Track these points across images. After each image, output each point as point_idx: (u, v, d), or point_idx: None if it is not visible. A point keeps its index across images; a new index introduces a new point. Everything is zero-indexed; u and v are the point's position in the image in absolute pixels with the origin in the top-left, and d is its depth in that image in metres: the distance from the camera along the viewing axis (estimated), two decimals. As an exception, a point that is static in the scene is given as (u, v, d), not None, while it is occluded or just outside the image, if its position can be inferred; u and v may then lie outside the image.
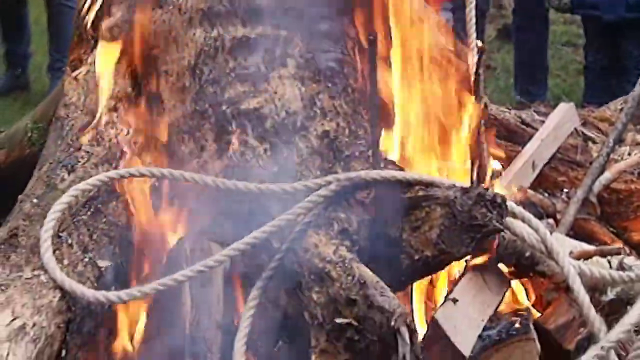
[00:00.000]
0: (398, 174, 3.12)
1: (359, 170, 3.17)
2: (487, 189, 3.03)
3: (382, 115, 3.33)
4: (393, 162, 3.30)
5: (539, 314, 3.49)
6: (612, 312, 3.22)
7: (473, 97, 3.57)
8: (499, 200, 2.99)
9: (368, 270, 2.94)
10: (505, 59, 8.71)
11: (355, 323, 2.87)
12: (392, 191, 3.11)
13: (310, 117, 3.26)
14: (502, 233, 3.25)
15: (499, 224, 2.99)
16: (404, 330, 2.73)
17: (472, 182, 3.48)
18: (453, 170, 3.53)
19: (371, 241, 3.11)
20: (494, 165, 3.87)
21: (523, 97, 7.45)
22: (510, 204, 3.12)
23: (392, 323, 2.75)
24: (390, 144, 3.42)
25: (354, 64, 3.41)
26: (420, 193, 3.09)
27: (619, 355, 3.08)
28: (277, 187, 3.12)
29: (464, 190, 3.02)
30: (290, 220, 3.07)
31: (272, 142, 3.23)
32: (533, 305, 3.56)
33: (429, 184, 3.10)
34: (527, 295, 3.58)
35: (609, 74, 7.20)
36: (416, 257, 3.06)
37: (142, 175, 3.20)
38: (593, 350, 2.87)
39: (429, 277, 3.35)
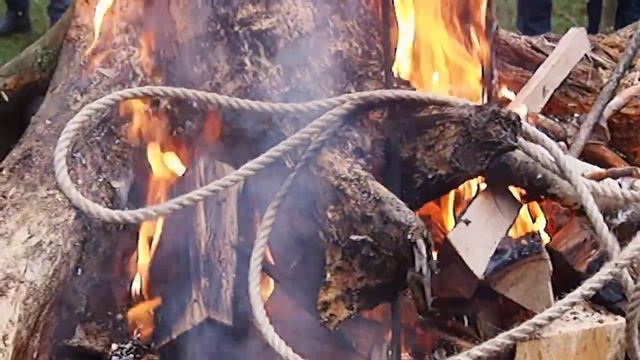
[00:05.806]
0: (412, 93, 3.10)
1: (372, 90, 3.16)
2: (501, 107, 3.03)
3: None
4: (407, 82, 3.29)
5: (549, 238, 3.50)
6: (623, 236, 3.20)
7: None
8: (513, 117, 2.98)
9: (383, 187, 2.94)
10: (508, -1, 8.67)
11: (370, 240, 2.86)
12: (405, 110, 3.11)
13: (323, 37, 3.25)
14: (515, 155, 3.25)
15: (513, 141, 2.97)
16: (421, 243, 2.72)
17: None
18: (466, 94, 3.52)
19: (385, 160, 3.11)
20: (505, 91, 3.88)
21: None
22: (524, 123, 3.11)
23: (409, 236, 2.74)
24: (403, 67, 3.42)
25: (366, -14, 3.39)
26: (435, 112, 3.08)
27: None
28: (290, 106, 3.11)
29: (478, 108, 3.01)
30: (304, 139, 3.06)
31: (285, 62, 3.22)
32: (544, 230, 3.56)
33: (442, 104, 3.09)
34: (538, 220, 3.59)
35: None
36: (430, 176, 3.06)
37: (155, 94, 3.18)
38: (607, 268, 2.85)
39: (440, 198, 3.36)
